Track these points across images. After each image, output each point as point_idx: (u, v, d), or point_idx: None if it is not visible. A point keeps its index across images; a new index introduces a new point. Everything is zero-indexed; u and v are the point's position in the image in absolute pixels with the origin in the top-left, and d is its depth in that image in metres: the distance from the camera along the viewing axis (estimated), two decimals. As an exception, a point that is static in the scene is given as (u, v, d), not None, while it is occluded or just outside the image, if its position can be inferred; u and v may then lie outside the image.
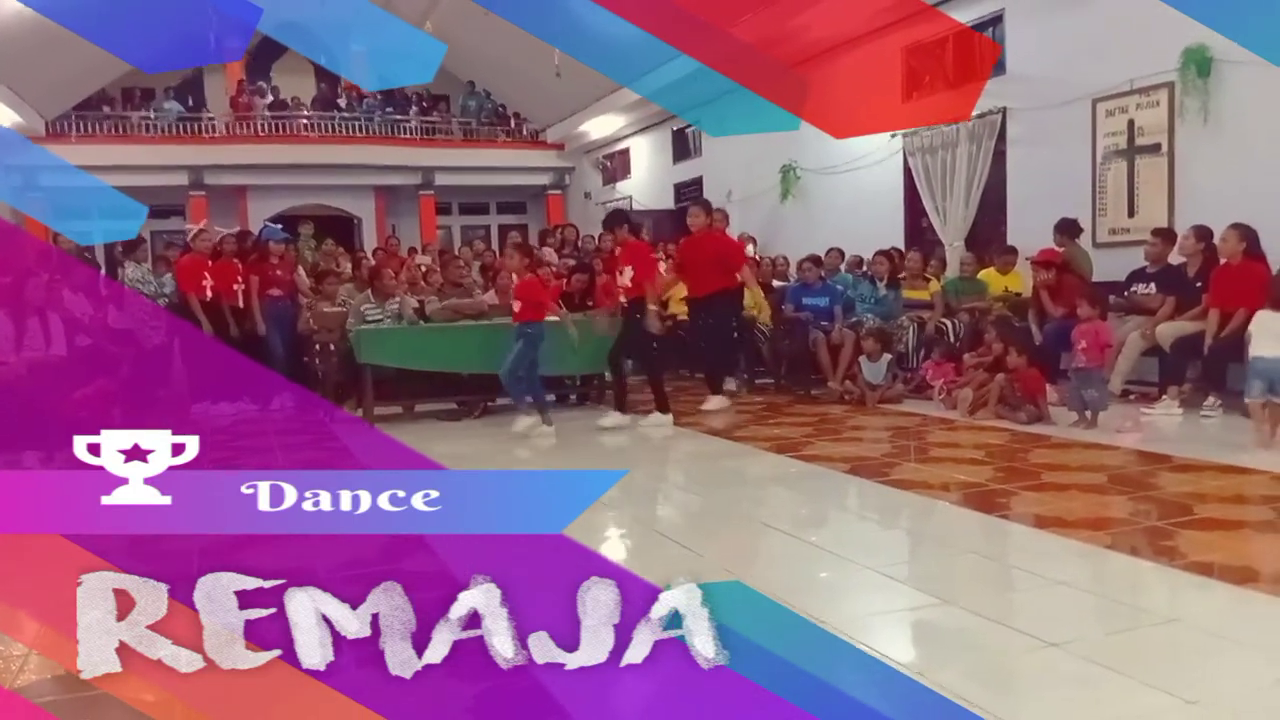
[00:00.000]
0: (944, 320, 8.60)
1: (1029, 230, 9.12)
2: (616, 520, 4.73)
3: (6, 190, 17.85)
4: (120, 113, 19.91)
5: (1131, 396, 7.30)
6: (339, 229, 18.50)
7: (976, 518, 4.32)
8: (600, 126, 18.71)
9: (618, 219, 7.79)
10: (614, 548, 4.28)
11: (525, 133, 21.83)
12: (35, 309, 6.69)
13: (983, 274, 9.12)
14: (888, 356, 8.05)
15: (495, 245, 16.77)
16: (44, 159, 18.03)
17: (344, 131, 20.24)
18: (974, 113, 10.06)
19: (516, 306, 7.13)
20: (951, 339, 8.41)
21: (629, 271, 7.24)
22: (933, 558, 3.92)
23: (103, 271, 9.99)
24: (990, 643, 2.86)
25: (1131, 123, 8.44)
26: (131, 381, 7.92)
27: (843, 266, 10.14)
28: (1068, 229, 8.35)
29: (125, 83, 20.15)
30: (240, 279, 8.74)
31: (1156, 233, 7.58)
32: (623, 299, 7.39)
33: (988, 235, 10.23)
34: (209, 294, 8.49)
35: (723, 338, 8.19)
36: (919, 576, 3.61)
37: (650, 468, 6.16)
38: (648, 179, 18.10)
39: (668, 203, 16.90)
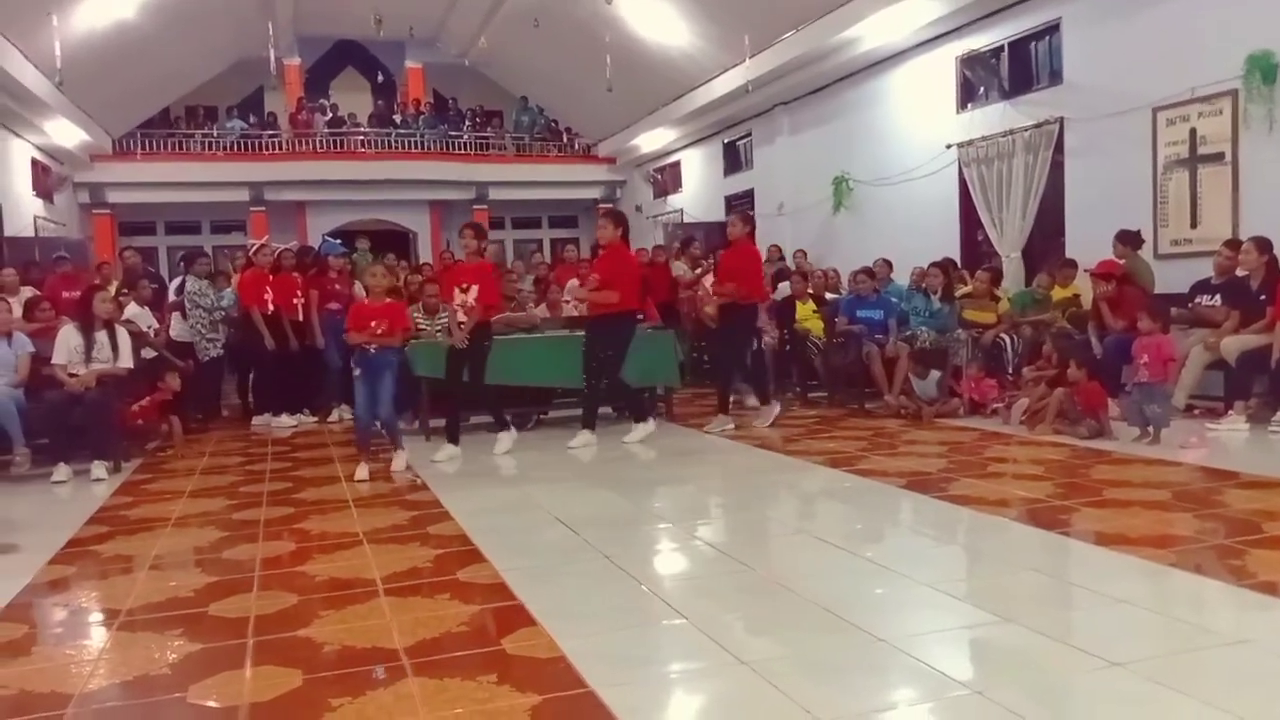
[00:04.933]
0: (1004, 335, 8.46)
1: (1088, 242, 8.97)
2: (668, 534, 4.73)
3: (76, 206, 18.40)
4: (184, 130, 20.42)
5: (1196, 411, 7.14)
6: (395, 243, 18.75)
7: (1036, 534, 4.26)
8: (651, 140, 18.79)
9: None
10: (664, 562, 4.29)
11: (577, 147, 22.00)
12: (103, 322, 6.87)
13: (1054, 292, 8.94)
14: (935, 374, 7.96)
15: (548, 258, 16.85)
16: (111, 176, 18.56)
17: (399, 147, 20.57)
18: (1031, 123, 9.94)
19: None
20: (1009, 354, 8.29)
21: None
22: (991, 574, 3.86)
23: (167, 285, 10.20)
24: (1050, 662, 2.81)
25: (1193, 131, 8.27)
26: (189, 393, 8.11)
27: (907, 278, 9.99)
28: (1129, 240, 8.19)
29: (189, 101, 20.67)
30: (300, 293, 8.89)
31: (1228, 244, 7.41)
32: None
33: (1045, 247, 10.08)
34: (270, 307, 8.65)
35: (737, 352, 8.05)
36: (977, 593, 3.56)
37: (701, 481, 6.16)
38: (699, 191, 18.13)
39: (719, 215, 16.89)
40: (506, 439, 6.96)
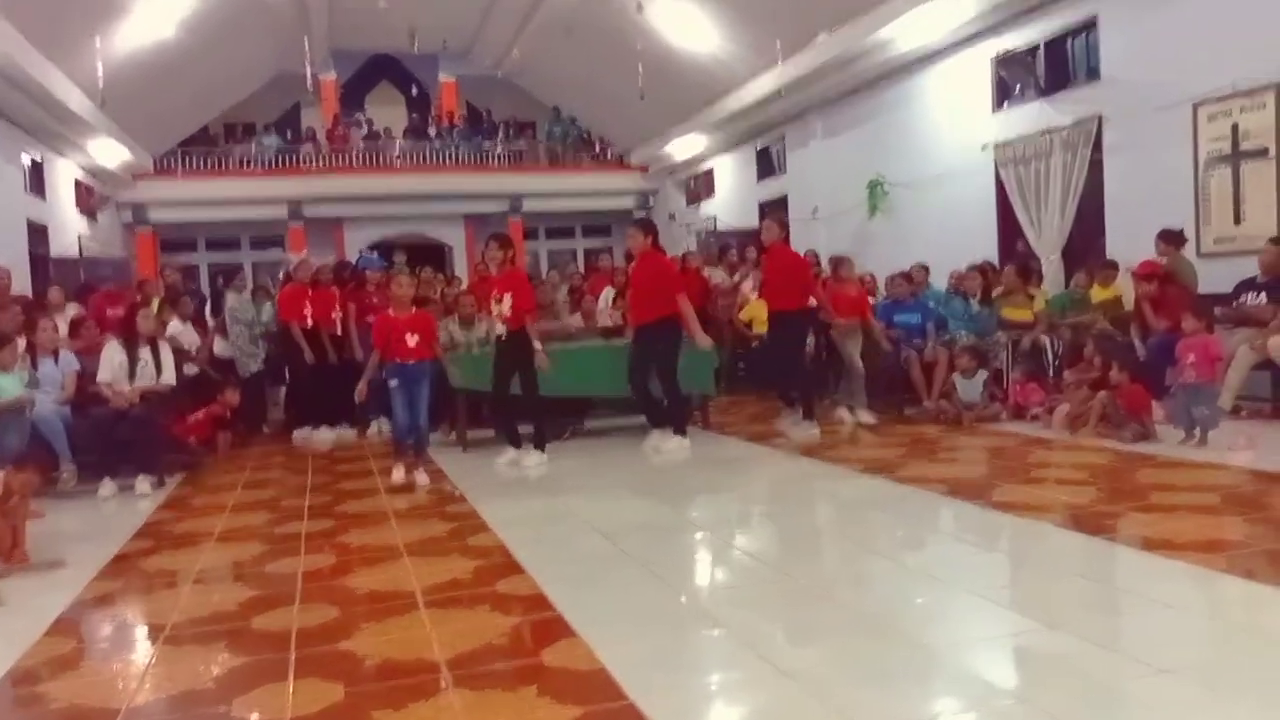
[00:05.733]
0: (1043, 337, 8.34)
1: (1129, 241, 8.84)
2: (706, 543, 4.72)
3: (118, 225, 18.75)
4: (223, 147, 20.74)
5: (1243, 413, 7.00)
6: (431, 257, 18.90)
7: (1081, 540, 4.19)
8: (684, 147, 18.80)
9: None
10: (703, 571, 4.27)
11: (609, 156, 22.07)
12: (147, 339, 6.98)
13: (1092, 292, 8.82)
14: (983, 373, 7.86)
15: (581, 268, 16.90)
16: (152, 194, 18.89)
17: (434, 161, 20.76)
18: (1069, 121, 9.82)
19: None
20: (1050, 356, 8.17)
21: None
22: (1035, 581, 3.80)
23: (207, 302, 10.36)
24: (1097, 668, 2.76)
25: (1235, 126, 8.12)
26: (236, 406, 8.23)
27: (945, 282, 9.90)
28: (1171, 239, 8.06)
29: (227, 118, 21.00)
30: (338, 307, 8.98)
31: (1273, 241, 7.26)
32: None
33: (1085, 247, 9.94)
34: (309, 322, 8.74)
35: (790, 358, 7.98)
36: (1021, 600, 3.51)
37: (743, 490, 6.13)
38: (731, 198, 18.10)
39: (752, 221, 16.85)
40: (518, 455, 6.82)
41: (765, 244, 8.10)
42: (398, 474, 6.25)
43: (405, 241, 18.56)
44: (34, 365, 6.68)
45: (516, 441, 6.88)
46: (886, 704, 2.61)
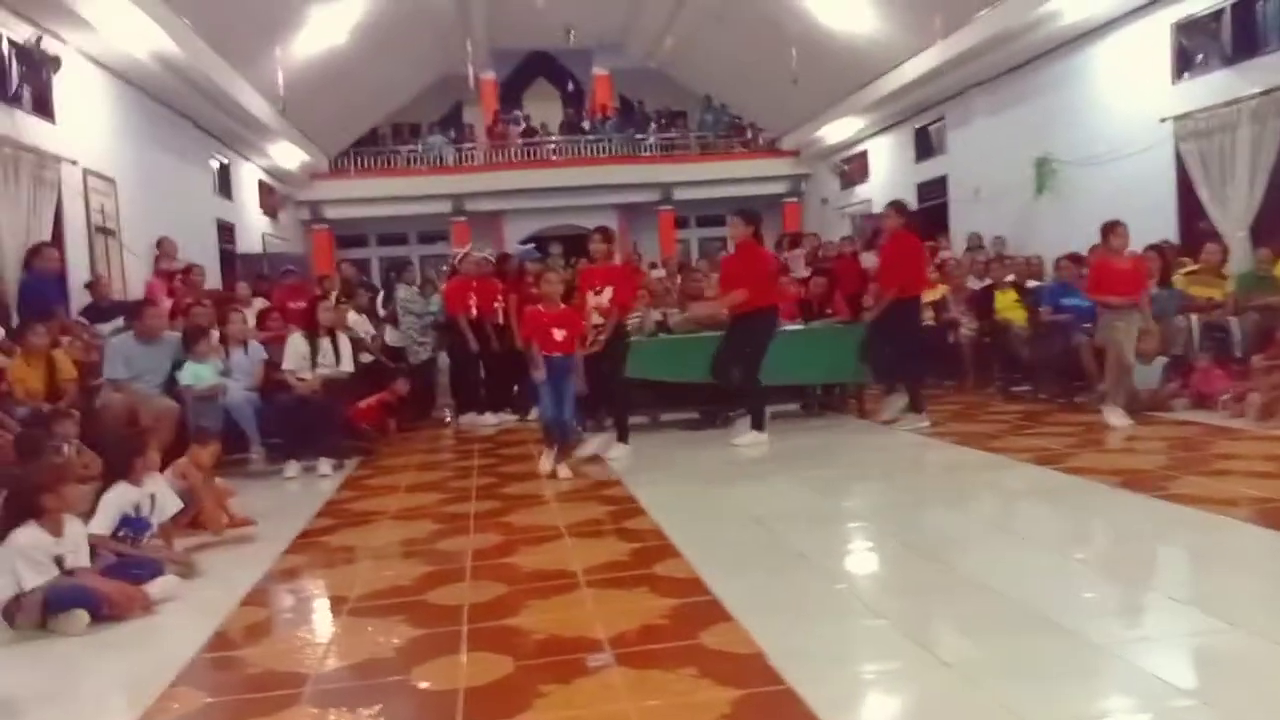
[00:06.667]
0: (1231, 319, 7.82)
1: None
2: (863, 532, 4.67)
3: (297, 223, 19.91)
4: (391, 147, 21.71)
5: None
6: (586, 248, 19.20)
7: (1269, 536, 3.93)
8: (837, 130, 18.46)
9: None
10: (860, 560, 4.23)
11: (761, 142, 21.91)
12: (326, 330, 7.41)
13: (1278, 269, 8.25)
14: (1163, 359, 7.45)
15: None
16: (328, 193, 19.97)
17: (588, 153, 21.12)
18: (1258, 90, 9.15)
19: None
20: (1237, 339, 7.66)
21: None
22: (1218, 578, 3.59)
23: (379, 294, 10.86)
24: (1286, 673, 2.61)
25: None
26: (405, 394, 8.64)
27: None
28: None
29: (394, 119, 21.94)
30: (500, 297, 9.29)
31: None
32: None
33: (1274, 224, 9.24)
34: (474, 312, 9.08)
35: (898, 346, 7.57)
36: (1202, 598, 3.32)
37: (901, 479, 6.02)
38: (887, 181, 17.66)
39: (910, 203, 16.44)
40: (604, 442, 6.91)
41: (886, 230, 7.82)
42: (545, 463, 6.32)
43: (561, 233, 18.94)
44: (226, 355, 7.21)
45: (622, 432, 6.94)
46: (1052, 700, 2.53)
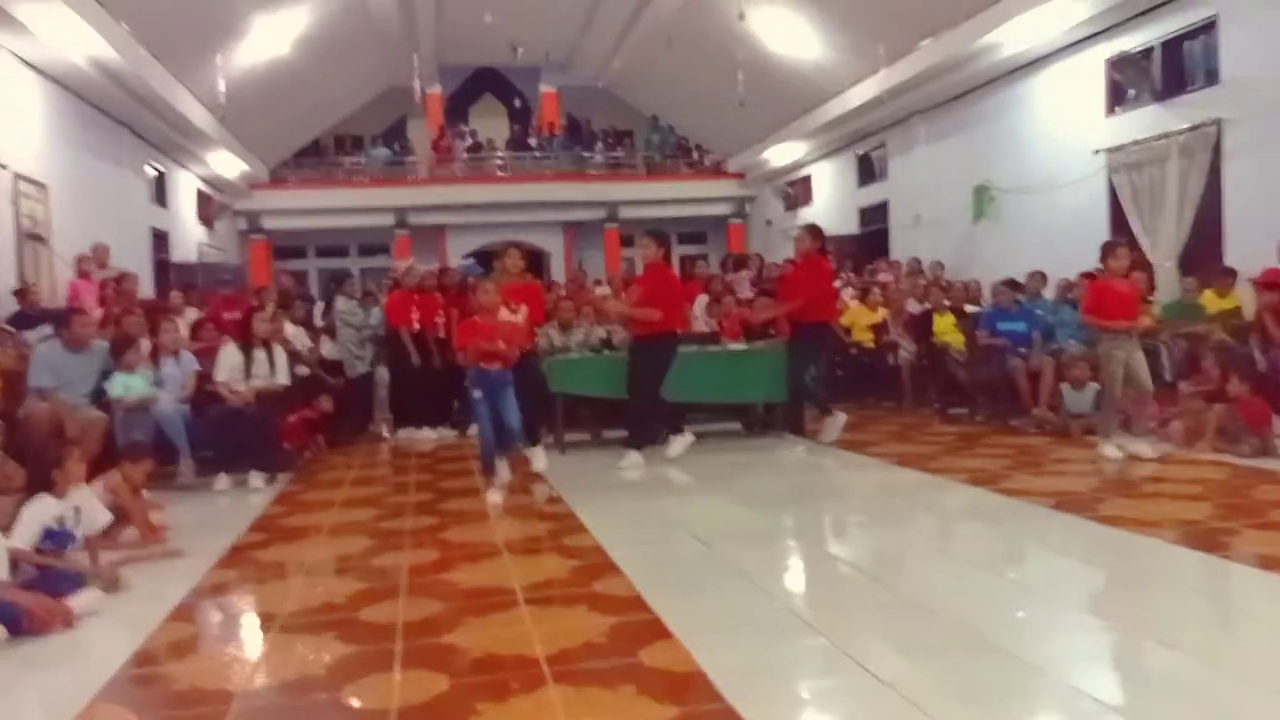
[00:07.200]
0: (1161, 343, 8.03)
1: (1249, 249, 8.46)
2: (803, 551, 4.68)
3: (234, 233, 19.56)
4: (333, 159, 21.46)
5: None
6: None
7: (1195, 557, 4.03)
8: (782, 154, 18.69)
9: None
10: (800, 579, 4.24)
11: (707, 163, 22.10)
12: (262, 341, 7.27)
13: (1200, 298, 8.50)
14: (1094, 385, 7.62)
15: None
16: (267, 204, 19.66)
17: (534, 170, 21.11)
18: (1186, 125, 9.45)
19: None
20: (1165, 365, 7.88)
21: None
22: (1147, 599, 3.66)
23: (316, 306, 10.69)
24: (1213, 689, 2.66)
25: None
26: (338, 408, 8.49)
27: (1048, 291, 9.65)
28: (1296, 247, 7.68)
29: (337, 131, 21.72)
30: (441, 311, 9.20)
31: None
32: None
33: (1202, 255, 9.54)
34: (416, 325, 8.98)
35: (799, 369, 7.79)
36: (1132, 617, 3.38)
37: (841, 499, 6.07)
38: (831, 204, 17.93)
39: (852, 228, 16.69)
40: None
41: (799, 254, 7.88)
42: (494, 496, 5.84)
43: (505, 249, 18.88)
44: (157, 365, 7.02)
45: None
46: (987, 717, 2.56)
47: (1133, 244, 10.22)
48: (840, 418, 7.64)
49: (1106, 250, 6.76)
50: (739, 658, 3.06)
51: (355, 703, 2.85)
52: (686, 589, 3.90)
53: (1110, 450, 6.43)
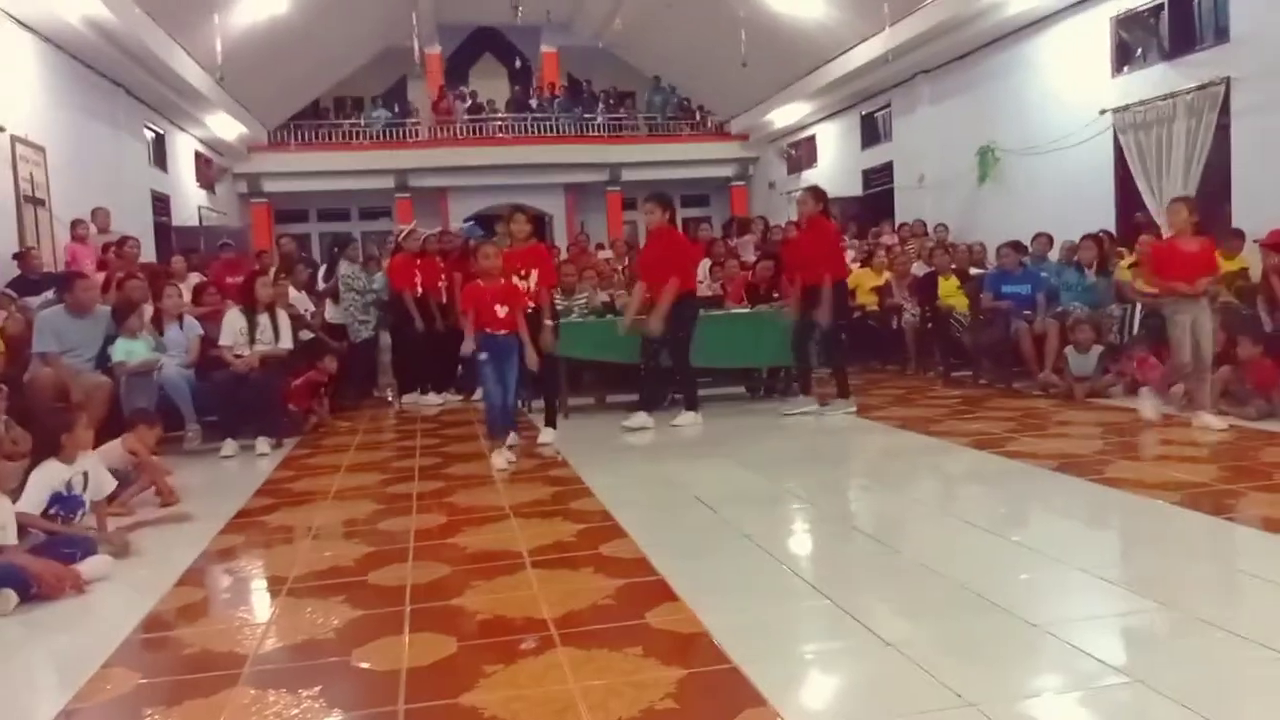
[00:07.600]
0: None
1: (1257, 210, 8.43)
2: (808, 515, 4.71)
3: (235, 196, 19.47)
4: (333, 121, 21.30)
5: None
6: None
7: (1199, 519, 4.04)
8: (785, 115, 18.54)
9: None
10: (804, 542, 4.27)
11: (709, 125, 21.93)
12: (265, 306, 7.26)
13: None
14: (1099, 348, 7.62)
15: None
16: (267, 166, 19.54)
17: (535, 132, 20.96)
18: (1194, 84, 9.36)
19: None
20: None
21: None
22: (1150, 560, 3.68)
23: (318, 269, 10.65)
24: (1215, 651, 2.68)
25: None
26: (341, 372, 8.50)
27: (1058, 252, 9.58)
28: (1303, 207, 7.63)
29: (337, 93, 21.54)
30: (444, 276, 9.17)
31: None
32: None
33: (1209, 216, 9.46)
34: (419, 290, 8.96)
35: (805, 336, 7.59)
36: (1136, 579, 3.41)
37: (844, 462, 6.09)
38: (835, 166, 17.81)
39: (855, 189, 16.59)
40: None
41: (803, 217, 7.65)
42: (499, 460, 5.86)
43: (503, 212, 18.79)
44: (160, 330, 7.02)
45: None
46: (993, 677, 2.58)
47: (1139, 205, 10.27)
48: (852, 405, 7.45)
49: (1174, 209, 6.43)
50: (744, 619, 3.08)
51: (365, 665, 2.88)
52: (692, 552, 3.92)
53: (1212, 420, 5.93)
